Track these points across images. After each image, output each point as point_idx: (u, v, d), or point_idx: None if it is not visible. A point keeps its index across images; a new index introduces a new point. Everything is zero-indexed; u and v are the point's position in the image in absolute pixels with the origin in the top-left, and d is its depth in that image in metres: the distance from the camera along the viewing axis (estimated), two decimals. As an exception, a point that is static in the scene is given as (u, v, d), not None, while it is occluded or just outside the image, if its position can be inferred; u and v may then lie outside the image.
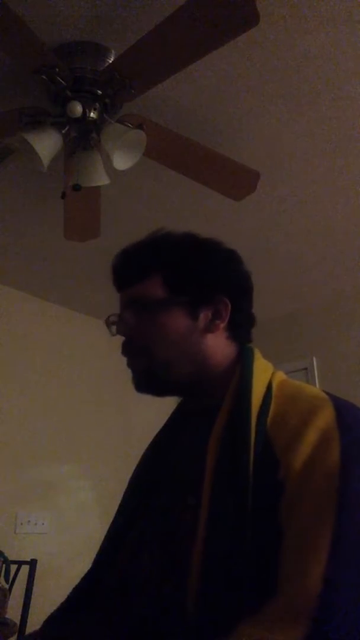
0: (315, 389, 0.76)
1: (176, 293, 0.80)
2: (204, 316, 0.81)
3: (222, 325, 0.82)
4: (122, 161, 1.71)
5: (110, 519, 0.89)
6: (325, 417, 0.67)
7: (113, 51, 1.70)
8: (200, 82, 1.82)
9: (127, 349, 0.83)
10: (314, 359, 3.38)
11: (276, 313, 3.60)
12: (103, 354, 3.39)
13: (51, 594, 2.58)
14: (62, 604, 0.83)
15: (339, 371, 3.24)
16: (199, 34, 1.45)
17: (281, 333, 3.57)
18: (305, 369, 3.40)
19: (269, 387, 0.75)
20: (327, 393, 0.74)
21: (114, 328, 0.84)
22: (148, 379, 0.82)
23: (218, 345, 0.82)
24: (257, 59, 1.74)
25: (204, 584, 0.63)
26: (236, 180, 2.04)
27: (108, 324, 0.85)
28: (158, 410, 0.99)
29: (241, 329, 0.86)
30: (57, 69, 1.59)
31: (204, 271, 0.83)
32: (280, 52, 1.71)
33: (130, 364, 0.83)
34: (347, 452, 0.64)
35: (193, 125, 1.98)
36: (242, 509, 0.64)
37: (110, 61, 1.69)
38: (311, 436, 0.65)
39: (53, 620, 0.82)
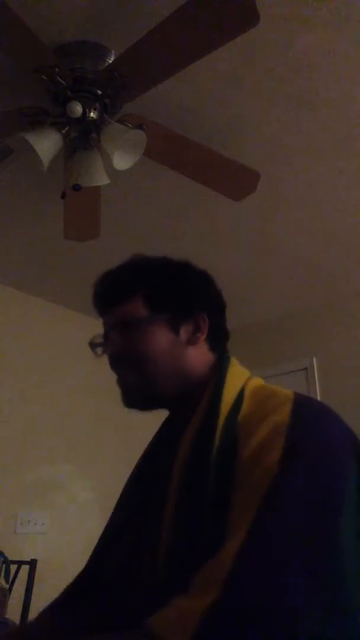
0: (287, 392, 0.78)
1: (157, 311, 0.86)
2: (184, 330, 0.87)
3: (203, 337, 0.88)
4: (122, 161, 1.71)
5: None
6: (282, 413, 0.71)
7: (113, 51, 1.70)
8: (200, 82, 1.82)
9: (116, 365, 0.88)
10: (314, 359, 3.38)
11: (276, 313, 3.60)
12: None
13: (51, 594, 2.58)
14: (57, 599, 0.88)
15: (339, 371, 3.24)
16: (199, 34, 1.45)
17: (281, 333, 3.58)
18: (305, 369, 3.40)
19: (241, 391, 0.80)
20: (299, 394, 0.77)
21: (98, 349, 0.90)
22: (138, 394, 0.87)
23: (199, 356, 0.88)
24: (257, 59, 1.74)
25: (170, 563, 0.68)
26: (236, 180, 2.04)
27: (92, 345, 0.90)
28: (157, 410, 1.00)
29: (219, 342, 0.91)
30: (57, 69, 1.59)
31: (182, 290, 0.89)
32: (280, 52, 1.71)
33: (121, 380, 0.88)
34: (290, 446, 0.67)
35: (193, 125, 1.98)
36: (204, 497, 0.68)
37: (110, 61, 1.69)
38: (263, 430, 0.70)
39: (47, 614, 0.86)
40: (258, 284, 3.23)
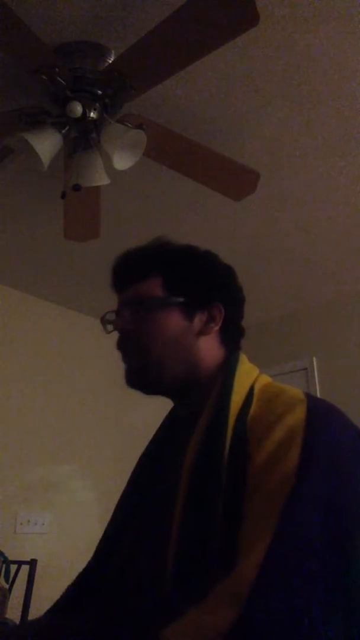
0: (296, 391, 0.77)
1: (173, 294, 0.84)
2: (198, 319, 0.85)
3: (216, 329, 0.85)
4: (122, 161, 1.71)
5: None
6: (296, 416, 0.70)
7: (113, 51, 1.70)
8: (200, 82, 1.82)
9: (123, 345, 0.86)
10: (314, 359, 3.38)
11: (276, 313, 3.60)
12: (103, 354, 3.39)
13: (51, 594, 2.58)
14: (58, 601, 0.85)
15: (339, 371, 3.24)
16: (199, 34, 1.45)
17: (281, 333, 3.58)
18: (305, 369, 3.40)
19: (250, 390, 0.78)
20: (309, 395, 0.76)
21: (109, 326, 0.88)
22: (141, 376, 0.85)
23: (210, 349, 0.85)
24: (257, 59, 1.74)
25: (177, 567, 0.66)
26: (236, 180, 2.04)
27: (103, 321, 0.88)
28: (157, 410, 0.99)
29: (232, 337, 0.89)
30: (57, 69, 1.59)
31: (202, 277, 0.87)
32: (280, 52, 1.71)
33: (125, 360, 0.86)
34: (307, 452, 0.65)
35: (193, 125, 1.98)
36: (216, 500, 0.67)
37: (110, 61, 1.69)
38: (278, 433, 0.68)
39: (48, 617, 0.84)
40: (258, 284, 3.23)
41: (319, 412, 0.71)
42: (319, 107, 1.93)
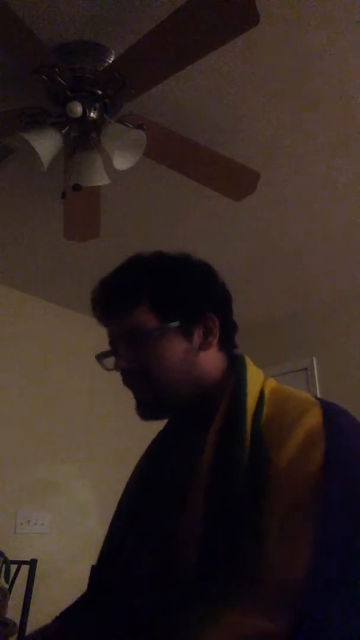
0: (305, 394, 0.78)
1: (167, 319, 0.81)
2: (197, 336, 0.83)
3: (215, 341, 0.84)
4: (122, 161, 1.71)
5: (110, 519, 0.89)
6: (313, 418, 0.70)
7: (113, 51, 1.70)
8: (200, 82, 1.82)
9: (130, 383, 0.83)
10: (314, 359, 3.38)
11: (276, 313, 3.60)
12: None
13: (51, 594, 2.59)
14: (70, 606, 0.85)
15: (339, 371, 3.24)
16: (199, 34, 1.45)
17: (281, 333, 3.57)
18: (305, 369, 3.40)
19: (261, 393, 0.78)
20: (317, 397, 0.77)
21: (107, 362, 0.85)
22: (156, 407, 0.83)
23: (211, 360, 0.84)
24: (257, 59, 1.74)
25: (200, 574, 0.66)
26: (236, 180, 2.04)
27: (99, 360, 0.85)
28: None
29: (228, 339, 0.88)
30: (57, 69, 1.59)
31: (189, 291, 0.84)
32: (280, 52, 1.71)
33: (136, 395, 0.84)
34: (331, 453, 0.66)
35: (193, 125, 1.98)
36: (236, 505, 0.67)
37: (110, 61, 1.69)
38: (298, 436, 0.68)
39: (57, 621, 0.84)
40: (258, 284, 3.23)
41: (333, 414, 0.72)
42: (319, 107, 1.93)
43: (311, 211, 2.56)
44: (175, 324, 0.81)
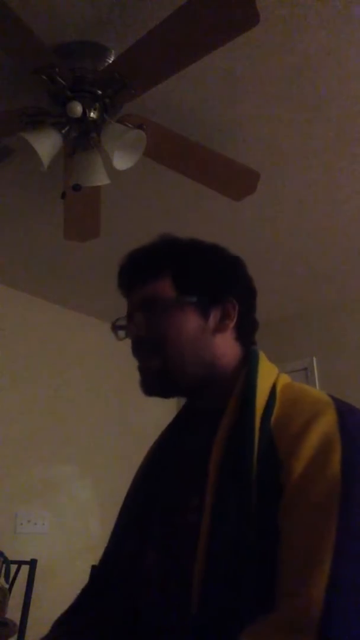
0: (319, 392, 0.76)
1: (186, 293, 0.81)
2: (213, 316, 0.82)
3: (231, 325, 0.83)
4: (122, 161, 1.71)
5: (110, 519, 0.89)
6: (328, 421, 0.68)
7: (113, 51, 1.70)
8: (200, 82, 1.82)
9: (139, 351, 0.83)
10: (314, 359, 3.39)
11: (276, 313, 3.60)
12: (103, 354, 3.39)
13: (51, 594, 2.59)
14: (71, 606, 0.84)
15: (339, 371, 3.24)
16: (199, 34, 1.45)
17: (281, 333, 3.57)
18: (305, 369, 3.40)
19: (273, 390, 0.76)
20: (331, 396, 0.74)
21: (120, 333, 0.85)
22: (161, 380, 0.82)
23: (226, 346, 0.83)
24: (257, 59, 1.74)
25: (207, 583, 0.63)
26: (236, 180, 2.04)
27: (115, 328, 0.85)
28: (158, 410, 0.99)
29: (247, 332, 0.87)
30: (57, 69, 1.59)
31: (212, 272, 0.85)
32: (280, 52, 1.71)
33: (142, 366, 0.83)
34: (349, 457, 0.64)
35: (193, 125, 1.98)
36: (246, 510, 0.64)
37: (110, 61, 1.69)
38: (313, 440, 0.66)
39: (60, 623, 0.83)
40: (258, 284, 3.21)
41: (348, 414, 0.70)
42: (319, 107, 1.93)
43: (311, 211, 2.56)
44: (193, 299, 0.81)
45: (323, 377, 3.32)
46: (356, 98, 1.90)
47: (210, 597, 0.62)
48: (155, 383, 0.82)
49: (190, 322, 0.81)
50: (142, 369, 0.83)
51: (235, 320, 0.83)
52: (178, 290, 0.81)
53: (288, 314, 3.61)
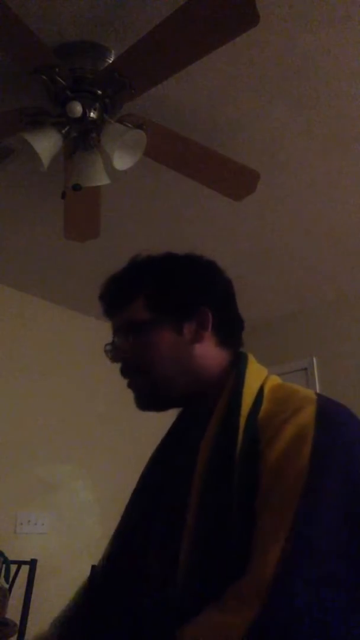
0: (307, 392, 0.77)
1: (159, 313, 0.85)
2: (187, 329, 0.85)
3: (206, 334, 0.85)
4: (122, 161, 1.71)
5: (110, 519, 0.90)
6: (306, 414, 0.70)
7: (113, 51, 1.70)
8: (200, 82, 1.82)
9: (125, 373, 0.87)
10: (314, 359, 3.38)
11: (276, 313, 3.61)
12: (103, 354, 3.38)
13: (51, 594, 2.59)
14: (69, 605, 0.86)
15: (339, 371, 3.24)
16: (199, 34, 1.45)
17: (281, 333, 3.58)
18: (305, 369, 3.40)
19: (260, 390, 0.79)
20: (319, 395, 0.76)
21: (110, 355, 0.89)
22: (150, 397, 0.86)
23: (208, 354, 0.86)
24: (257, 59, 1.74)
25: (192, 567, 0.66)
26: (236, 180, 2.04)
27: (105, 352, 0.90)
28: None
29: (229, 334, 0.89)
30: (57, 69, 1.59)
31: (183, 288, 0.87)
32: (280, 52, 1.71)
33: (131, 386, 0.87)
34: (318, 448, 0.66)
35: (193, 125, 1.98)
36: (227, 502, 0.67)
37: (110, 61, 1.69)
38: (288, 432, 0.69)
39: (60, 622, 0.85)
40: (258, 284, 3.23)
41: (329, 412, 0.72)
42: (319, 107, 1.93)
43: (311, 211, 2.56)
44: (167, 317, 0.85)
45: (323, 377, 3.32)
46: (356, 98, 1.90)
47: (194, 580, 0.66)
48: (147, 400, 0.86)
49: (166, 339, 0.84)
50: (132, 389, 0.87)
51: (209, 328, 0.85)
52: (151, 311, 0.85)
53: (288, 314, 3.61)
